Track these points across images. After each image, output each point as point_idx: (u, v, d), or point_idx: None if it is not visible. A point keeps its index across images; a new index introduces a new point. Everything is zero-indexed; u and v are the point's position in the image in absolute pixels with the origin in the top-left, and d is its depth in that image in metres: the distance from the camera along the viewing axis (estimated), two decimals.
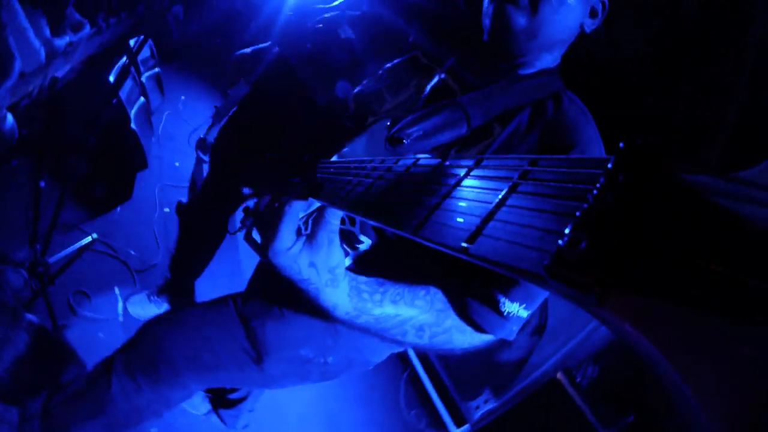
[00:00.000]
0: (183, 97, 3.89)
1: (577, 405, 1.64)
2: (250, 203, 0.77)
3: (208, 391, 1.77)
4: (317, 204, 0.66)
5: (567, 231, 0.22)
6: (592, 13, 0.86)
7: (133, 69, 2.60)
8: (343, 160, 0.71)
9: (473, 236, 0.28)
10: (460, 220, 0.31)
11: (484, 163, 0.36)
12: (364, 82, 1.12)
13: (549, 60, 0.88)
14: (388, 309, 0.72)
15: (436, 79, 0.97)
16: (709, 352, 0.16)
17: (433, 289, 0.76)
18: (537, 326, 1.44)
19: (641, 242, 0.20)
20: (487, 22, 0.85)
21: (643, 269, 0.19)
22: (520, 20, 0.79)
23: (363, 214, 0.46)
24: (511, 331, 0.76)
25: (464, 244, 0.28)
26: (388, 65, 1.13)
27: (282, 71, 1.70)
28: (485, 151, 0.83)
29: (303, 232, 0.66)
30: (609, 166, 0.23)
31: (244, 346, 1.00)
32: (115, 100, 1.83)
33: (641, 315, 0.18)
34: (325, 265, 0.66)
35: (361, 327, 0.74)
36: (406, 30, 1.34)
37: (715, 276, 0.17)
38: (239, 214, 0.75)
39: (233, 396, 1.71)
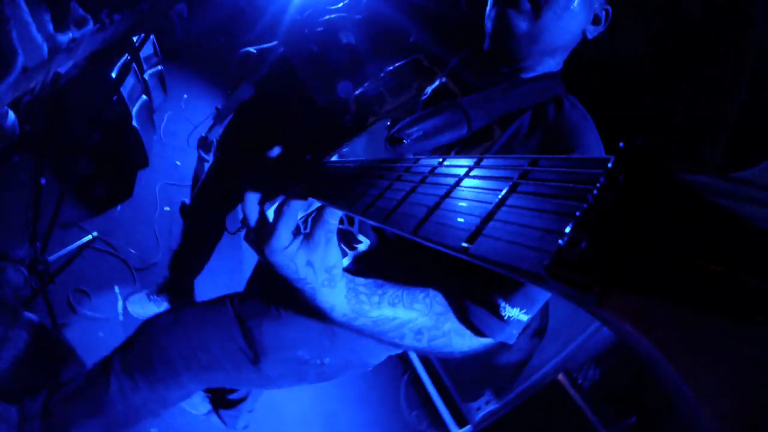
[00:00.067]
0: (185, 96, 3.89)
1: (579, 406, 1.64)
2: None
3: (207, 391, 1.77)
4: (317, 204, 0.66)
5: (567, 231, 0.22)
6: (595, 20, 0.86)
7: (135, 66, 2.60)
8: (343, 160, 0.71)
9: (473, 236, 0.28)
10: (460, 219, 0.31)
11: (484, 162, 0.36)
12: (366, 83, 1.12)
13: (551, 64, 0.88)
14: (386, 311, 0.72)
15: (437, 83, 0.97)
16: (709, 352, 0.16)
17: (432, 292, 0.75)
18: (538, 328, 1.44)
19: (641, 242, 0.20)
20: (489, 25, 0.85)
21: (643, 269, 0.19)
22: (522, 24, 0.80)
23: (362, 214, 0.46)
24: (511, 335, 0.76)
25: (464, 244, 0.28)
26: (390, 68, 1.13)
27: (283, 71, 1.70)
28: (485, 153, 0.82)
29: (302, 231, 0.66)
30: (609, 165, 0.23)
31: (241, 346, 1.00)
32: (116, 97, 1.83)
33: (641, 315, 0.18)
34: (322, 264, 0.65)
35: (358, 329, 0.73)
36: (408, 30, 1.34)
37: (715, 276, 0.17)
38: (239, 214, 0.74)
39: (233, 396, 1.72)
